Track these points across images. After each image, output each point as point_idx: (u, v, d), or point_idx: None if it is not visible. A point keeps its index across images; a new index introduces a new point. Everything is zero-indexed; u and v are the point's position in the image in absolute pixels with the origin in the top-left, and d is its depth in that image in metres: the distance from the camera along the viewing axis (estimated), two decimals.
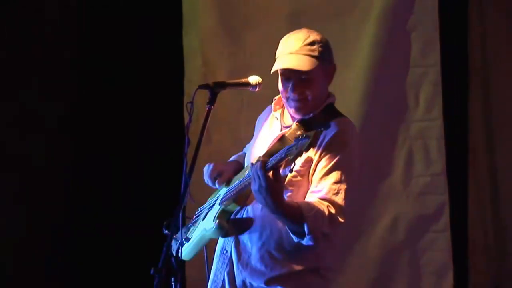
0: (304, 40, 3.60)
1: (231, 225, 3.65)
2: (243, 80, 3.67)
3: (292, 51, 3.58)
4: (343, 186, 3.56)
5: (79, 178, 5.70)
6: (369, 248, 5.51)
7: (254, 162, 3.34)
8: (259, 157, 3.38)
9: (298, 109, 3.65)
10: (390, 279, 5.57)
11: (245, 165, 3.83)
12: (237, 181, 3.60)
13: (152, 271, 3.21)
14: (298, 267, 3.55)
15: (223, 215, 3.64)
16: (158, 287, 3.20)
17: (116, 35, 5.71)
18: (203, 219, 3.78)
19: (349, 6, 5.52)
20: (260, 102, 5.28)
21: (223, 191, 3.75)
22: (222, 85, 3.56)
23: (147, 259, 3.44)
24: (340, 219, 3.45)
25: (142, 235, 5.28)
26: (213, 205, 3.77)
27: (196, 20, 5.76)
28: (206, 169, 3.84)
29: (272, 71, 3.61)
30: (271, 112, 3.82)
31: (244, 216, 3.64)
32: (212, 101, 3.50)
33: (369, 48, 5.36)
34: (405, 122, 5.48)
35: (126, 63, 5.73)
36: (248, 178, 3.45)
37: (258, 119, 3.98)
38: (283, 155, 3.19)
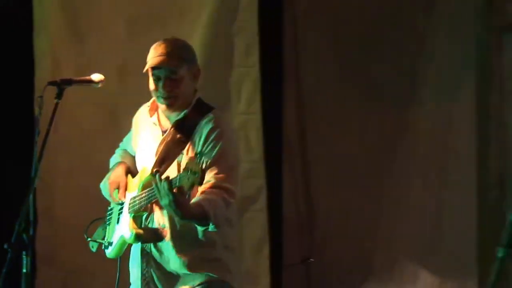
0: (173, 45, 3.80)
1: (146, 232, 3.83)
2: (87, 77, 3.84)
3: (163, 53, 3.77)
4: (228, 172, 3.78)
5: None
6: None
7: (156, 176, 3.51)
8: (167, 177, 3.50)
9: (168, 106, 3.83)
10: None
11: (138, 168, 3.94)
12: (145, 193, 3.75)
13: (5, 246, 3.40)
14: (212, 249, 3.82)
15: (136, 222, 3.83)
16: (11, 260, 3.39)
17: None
18: (117, 222, 3.94)
19: (182, 11, 5.70)
20: (102, 97, 5.46)
21: (128, 197, 3.90)
22: (69, 82, 3.74)
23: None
24: (232, 201, 3.73)
25: None
26: (122, 208, 3.93)
27: (47, 22, 5.79)
28: (103, 187, 4.00)
29: (144, 70, 3.77)
30: (147, 116, 3.96)
31: (152, 219, 3.82)
32: (59, 96, 3.68)
33: (198, 49, 5.40)
34: (229, 115, 5.65)
35: None
36: (153, 193, 3.61)
37: (134, 119, 4.10)
38: (177, 184, 3.45)
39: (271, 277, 5.84)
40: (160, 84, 3.79)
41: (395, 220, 6.22)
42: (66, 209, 5.81)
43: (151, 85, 3.81)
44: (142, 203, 3.80)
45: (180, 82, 3.80)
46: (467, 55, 5.94)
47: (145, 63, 3.81)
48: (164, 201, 3.53)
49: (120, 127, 4.57)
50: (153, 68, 3.79)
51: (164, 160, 3.80)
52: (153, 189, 3.61)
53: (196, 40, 5.49)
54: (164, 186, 3.49)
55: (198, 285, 3.82)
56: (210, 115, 3.84)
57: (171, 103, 3.82)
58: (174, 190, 3.47)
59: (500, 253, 2.59)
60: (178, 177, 3.48)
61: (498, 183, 5.86)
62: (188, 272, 3.81)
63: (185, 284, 3.83)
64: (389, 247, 6.24)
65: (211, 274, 3.82)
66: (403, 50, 6.11)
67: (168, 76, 3.78)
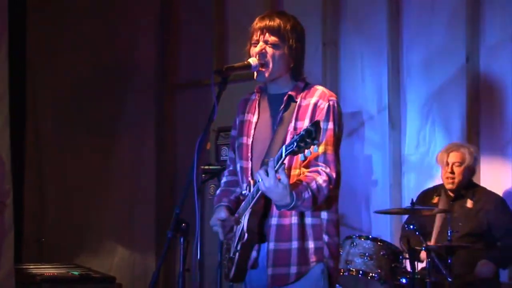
0: None
1: None
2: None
3: None
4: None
5: None
6: None
7: None
8: None
9: None
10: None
11: None
12: None
13: None
14: None
15: None
16: None
17: None
18: None
19: None
20: None
21: None
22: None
23: None
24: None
25: None
26: None
27: None
28: None
29: None
30: None
31: None
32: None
33: None
34: None
35: None
36: None
37: None
38: None
39: (14, 252, 6.04)
40: None
41: (102, 210, 7.61)
42: None
43: None
44: None
45: None
46: (150, 104, 7.68)
47: None
48: None
49: None
50: None
51: None
52: None
53: None
54: None
55: None
56: None
57: None
58: None
59: (169, 235, 3.05)
60: None
61: (169, 189, 7.61)
62: None
63: None
64: (97, 229, 7.58)
65: None
66: (108, 101, 7.74)
67: None
